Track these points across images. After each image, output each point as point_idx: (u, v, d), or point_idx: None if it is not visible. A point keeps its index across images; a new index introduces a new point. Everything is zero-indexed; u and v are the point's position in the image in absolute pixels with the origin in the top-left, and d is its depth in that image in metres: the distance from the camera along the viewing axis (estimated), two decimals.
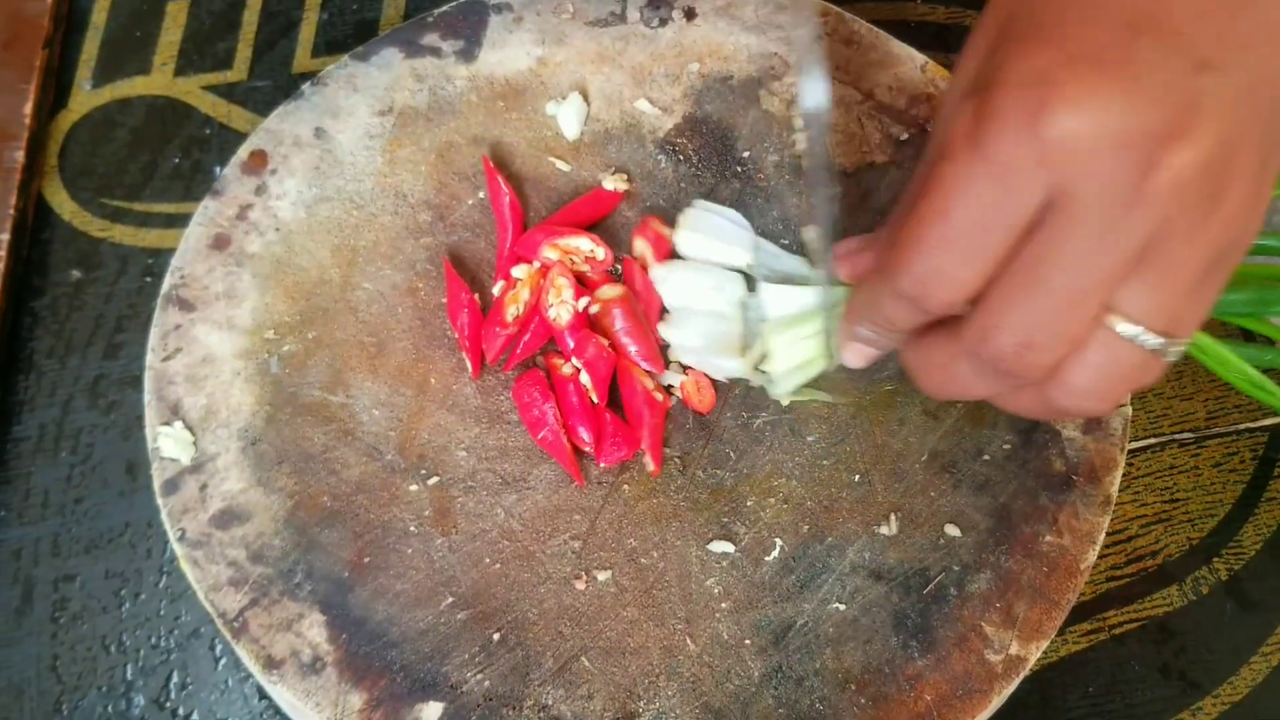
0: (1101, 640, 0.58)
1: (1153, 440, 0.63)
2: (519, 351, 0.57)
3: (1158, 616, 0.59)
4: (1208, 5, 0.37)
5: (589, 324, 0.57)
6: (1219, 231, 0.38)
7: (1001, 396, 0.44)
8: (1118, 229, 0.37)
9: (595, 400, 0.55)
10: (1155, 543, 0.60)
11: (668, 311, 0.58)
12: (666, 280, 0.58)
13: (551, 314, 0.56)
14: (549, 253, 0.58)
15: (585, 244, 0.58)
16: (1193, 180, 0.36)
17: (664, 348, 0.57)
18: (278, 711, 0.56)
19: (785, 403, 0.56)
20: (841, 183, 0.61)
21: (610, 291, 0.57)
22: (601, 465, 0.54)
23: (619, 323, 0.56)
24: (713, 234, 0.59)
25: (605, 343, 0.56)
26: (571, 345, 0.56)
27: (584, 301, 0.56)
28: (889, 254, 0.42)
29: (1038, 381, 0.41)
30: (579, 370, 0.55)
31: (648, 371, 0.56)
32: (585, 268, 0.58)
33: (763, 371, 0.55)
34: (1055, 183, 0.37)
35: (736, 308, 0.57)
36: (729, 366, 0.56)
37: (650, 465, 0.54)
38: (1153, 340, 0.39)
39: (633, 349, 0.56)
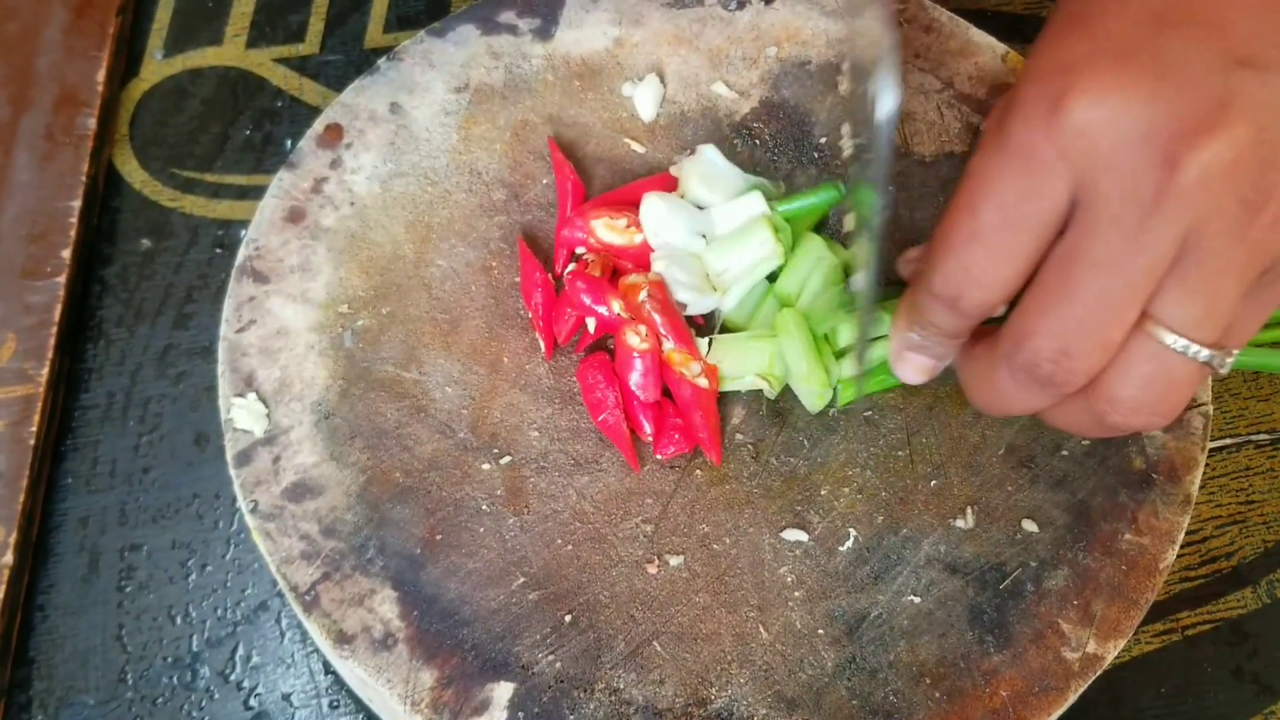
0: (1174, 641, 0.57)
1: (1229, 441, 0.62)
2: (591, 333, 0.56)
3: (1231, 618, 0.58)
4: (1254, 1, 0.36)
5: (634, 312, 0.55)
6: (1264, 238, 0.36)
7: (1051, 413, 0.43)
8: (1145, 228, 0.35)
9: (644, 398, 0.54)
10: (1230, 544, 0.60)
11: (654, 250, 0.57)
12: (649, 217, 0.56)
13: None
14: (600, 231, 0.57)
15: (619, 219, 0.57)
16: (1222, 178, 0.35)
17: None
18: (343, 687, 0.56)
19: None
20: (920, 171, 0.61)
21: (636, 279, 0.55)
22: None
23: (652, 311, 0.55)
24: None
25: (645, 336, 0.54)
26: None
27: (617, 304, 0.55)
28: (927, 253, 0.41)
29: (1078, 393, 0.40)
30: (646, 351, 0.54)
31: (686, 358, 0.55)
32: (625, 237, 0.57)
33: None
34: (1078, 177, 0.36)
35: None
36: (707, 302, 0.56)
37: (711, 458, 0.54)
38: (1203, 353, 0.37)
39: (670, 339, 0.54)
